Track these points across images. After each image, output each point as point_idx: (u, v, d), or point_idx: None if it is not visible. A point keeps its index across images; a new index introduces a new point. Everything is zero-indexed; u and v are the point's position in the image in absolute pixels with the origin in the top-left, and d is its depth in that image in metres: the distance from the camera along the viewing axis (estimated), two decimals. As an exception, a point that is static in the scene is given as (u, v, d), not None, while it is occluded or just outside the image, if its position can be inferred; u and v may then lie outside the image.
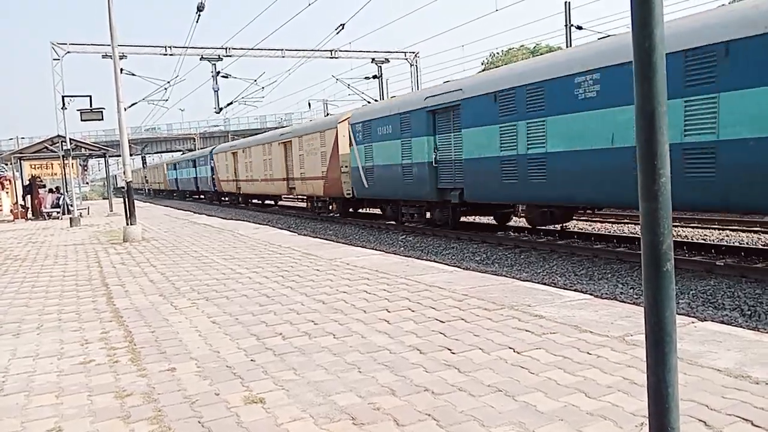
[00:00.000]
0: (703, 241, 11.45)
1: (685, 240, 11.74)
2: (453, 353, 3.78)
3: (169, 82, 31.78)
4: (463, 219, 16.24)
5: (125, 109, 13.70)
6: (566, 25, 26.23)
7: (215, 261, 8.74)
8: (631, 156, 8.73)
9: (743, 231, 12.56)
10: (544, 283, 8.30)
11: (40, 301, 6.31)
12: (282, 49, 33.11)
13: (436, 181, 14.79)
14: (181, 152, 67.19)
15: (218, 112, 33.62)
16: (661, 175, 1.59)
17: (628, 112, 9.24)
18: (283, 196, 28.26)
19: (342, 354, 3.88)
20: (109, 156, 28.35)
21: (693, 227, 13.66)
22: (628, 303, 6.16)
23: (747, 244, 11.14)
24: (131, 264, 8.93)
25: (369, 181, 17.92)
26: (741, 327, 5.52)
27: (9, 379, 3.72)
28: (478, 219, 17.44)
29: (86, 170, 36.64)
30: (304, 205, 27.54)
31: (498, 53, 61.99)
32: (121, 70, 14.89)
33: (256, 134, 37.84)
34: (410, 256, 10.49)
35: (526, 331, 4.21)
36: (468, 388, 3.17)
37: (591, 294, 7.18)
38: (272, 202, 33.17)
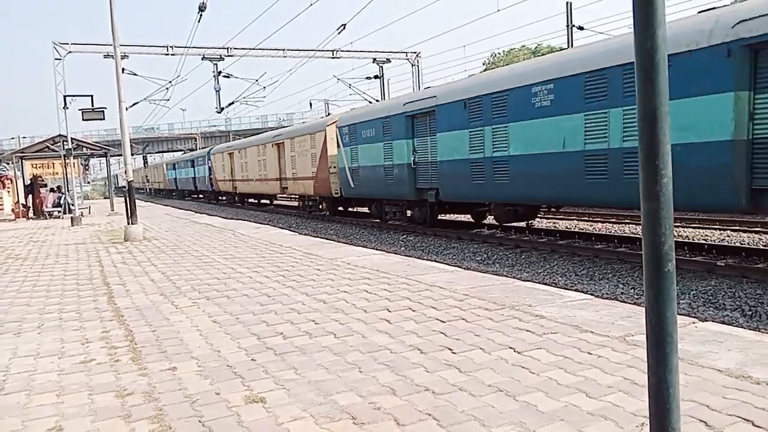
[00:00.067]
0: (704, 242, 11.44)
1: (686, 240, 11.73)
2: (454, 353, 3.78)
3: (170, 82, 31.84)
4: (441, 217, 17.17)
5: (127, 109, 13.71)
6: (568, 26, 26.22)
7: (216, 260, 8.75)
8: (580, 159, 10.35)
9: (744, 231, 12.55)
10: (545, 283, 8.30)
11: (41, 300, 6.31)
12: (283, 49, 33.14)
13: (415, 182, 15.74)
14: (183, 152, 67.26)
15: (220, 112, 33.67)
16: (663, 176, 1.59)
17: (576, 119, 10.31)
18: (277, 195, 29.02)
19: (343, 353, 3.88)
20: (111, 155, 28.35)
21: (694, 227, 13.65)
22: (629, 303, 6.15)
23: (748, 244, 11.13)
24: (132, 263, 8.93)
25: (355, 181, 18.80)
26: (742, 327, 5.51)
27: (10, 378, 3.72)
28: (460, 217, 17.93)
29: (87, 170, 36.65)
30: (296, 204, 28.26)
31: (499, 53, 61.97)
32: (123, 69, 14.89)
33: (257, 134, 37.95)
34: (411, 256, 10.49)
35: (527, 331, 4.21)
36: (469, 388, 3.17)
37: (592, 294, 7.18)
38: (267, 202, 33.88)
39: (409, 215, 17.22)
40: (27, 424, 2.99)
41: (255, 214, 27.95)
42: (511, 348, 3.83)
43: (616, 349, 3.72)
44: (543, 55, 27.54)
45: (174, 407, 3.10)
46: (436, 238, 15.06)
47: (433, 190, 14.99)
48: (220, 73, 31.55)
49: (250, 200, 35.56)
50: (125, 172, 13.73)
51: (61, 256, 10.42)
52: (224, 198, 39.81)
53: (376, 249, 11.85)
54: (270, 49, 32.81)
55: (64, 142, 22.17)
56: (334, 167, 20.23)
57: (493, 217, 14.88)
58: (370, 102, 29.38)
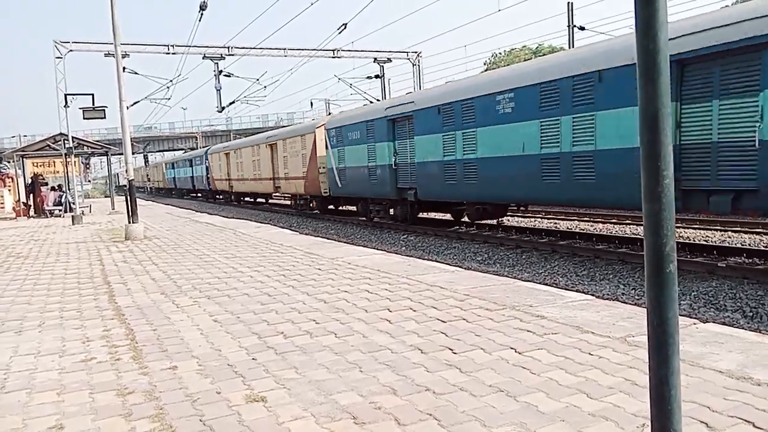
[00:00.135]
0: (705, 243, 11.44)
1: (687, 241, 11.73)
2: (454, 353, 3.78)
3: (171, 81, 31.83)
4: (423, 215, 18.27)
5: (128, 108, 13.71)
6: (569, 26, 26.22)
7: (217, 259, 8.75)
8: (537, 162, 11.29)
9: (745, 232, 12.54)
10: (546, 284, 8.29)
11: (42, 299, 6.32)
12: (284, 49, 33.14)
13: (396, 182, 16.69)
14: (184, 151, 67.35)
15: (220, 111, 33.71)
16: (664, 177, 1.59)
17: (534, 125, 11.29)
18: (272, 194, 29.87)
19: (343, 353, 3.88)
20: (111, 154, 28.38)
21: (695, 228, 13.64)
22: (630, 304, 6.15)
23: (749, 245, 11.12)
24: (133, 262, 8.94)
25: (342, 180, 19.77)
26: (743, 328, 5.51)
27: (11, 377, 3.73)
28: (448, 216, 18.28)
29: (88, 168, 36.66)
30: (288, 202, 29.21)
31: (500, 53, 61.94)
32: (124, 68, 14.89)
33: (258, 133, 38.09)
34: (412, 256, 10.49)
35: (528, 331, 4.21)
36: (469, 388, 3.17)
37: (593, 295, 7.17)
38: (263, 200, 34.73)
39: (391, 213, 18.06)
40: (28, 422, 2.99)
41: (255, 213, 28.06)
42: (511, 348, 3.83)
43: (617, 349, 3.72)
44: (544, 55, 27.53)
45: (174, 406, 3.11)
46: (437, 238, 15.07)
47: (412, 189, 15.89)
48: (221, 72, 31.55)
49: (246, 199, 36.44)
50: (126, 171, 13.74)
51: (62, 254, 10.42)
52: (221, 197, 40.66)
53: (377, 249, 11.85)
54: (271, 49, 32.82)
55: (65, 141, 22.19)
56: (323, 168, 21.13)
57: (466, 215, 15.67)
58: (371, 101, 29.41)
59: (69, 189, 23.27)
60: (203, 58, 31.24)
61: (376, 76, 34.91)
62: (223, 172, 36.34)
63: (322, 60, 34.64)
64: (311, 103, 54.55)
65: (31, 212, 24.24)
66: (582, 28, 26.22)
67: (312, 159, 22.10)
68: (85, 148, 27.11)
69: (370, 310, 5.07)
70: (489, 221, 15.47)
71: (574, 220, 16.70)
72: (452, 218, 17.39)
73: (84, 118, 20.08)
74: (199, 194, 47.76)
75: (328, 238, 13.60)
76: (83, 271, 8.24)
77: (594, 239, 12.59)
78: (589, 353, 3.67)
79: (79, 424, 2.94)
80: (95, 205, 29.46)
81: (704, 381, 3.11)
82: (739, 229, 12.96)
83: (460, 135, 13.53)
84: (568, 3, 26.11)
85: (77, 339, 4.57)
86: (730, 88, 8.16)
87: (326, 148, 20.74)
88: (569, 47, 25.32)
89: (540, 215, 18.27)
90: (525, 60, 27.45)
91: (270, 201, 34.40)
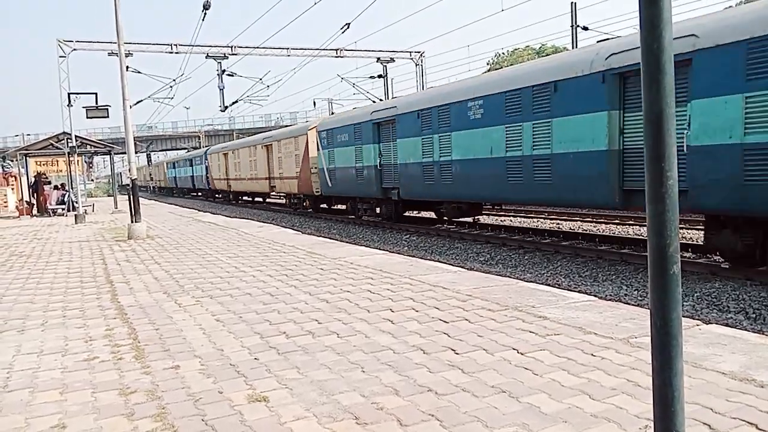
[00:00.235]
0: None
1: (690, 242, 11.70)
2: (457, 354, 3.78)
3: (174, 80, 31.82)
4: (411, 214, 19.24)
5: (131, 107, 13.73)
6: (572, 26, 26.18)
7: (219, 259, 8.75)
8: (503, 164, 12.18)
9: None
10: (548, 284, 8.29)
11: (44, 298, 6.33)
12: (287, 48, 33.14)
13: (381, 182, 17.57)
14: (186, 150, 67.45)
15: (223, 111, 33.70)
16: (668, 178, 1.58)
17: (500, 130, 12.18)
18: (270, 193, 30.61)
19: (346, 353, 3.88)
20: (114, 153, 28.41)
21: (698, 230, 13.60)
22: (633, 305, 6.13)
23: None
24: (136, 261, 8.95)
25: (332, 180, 20.71)
26: (746, 330, 5.50)
27: (13, 376, 3.73)
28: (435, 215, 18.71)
29: (91, 167, 36.79)
30: (284, 201, 30.27)
31: (503, 53, 61.91)
32: (127, 67, 14.91)
33: (261, 133, 38.21)
34: (414, 256, 10.49)
35: (530, 332, 4.21)
36: (472, 389, 3.16)
37: (595, 295, 7.16)
38: (261, 199, 35.56)
39: (378, 212, 18.95)
40: (30, 421, 3.00)
41: (255, 212, 28.18)
42: (514, 349, 3.83)
43: (620, 351, 3.71)
44: (547, 55, 27.49)
45: (177, 406, 3.11)
46: (439, 238, 15.08)
47: (396, 189, 16.79)
48: (224, 71, 31.57)
49: (244, 198, 37.34)
50: (129, 170, 13.76)
51: (65, 253, 10.44)
52: (220, 196, 41.52)
53: (380, 249, 11.86)
54: (274, 48, 32.82)
55: (68, 140, 22.23)
56: (315, 168, 22.14)
57: (444, 213, 16.67)
58: (374, 101, 29.45)
59: (72, 188, 23.32)
60: (206, 58, 31.27)
61: (379, 76, 34.86)
62: (221, 171, 37.21)
63: (325, 59, 34.75)
64: (314, 103, 54.47)
65: (35, 211, 24.28)
66: (585, 28, 26.17)
67: (305, 160, 23.03)
68: (88, 147, 27.13)
69: (373, 310, 5.07)
70: (465, 219, 16.48)
71: (577, 220, 16.68)
72: (436, 216, 18.09)
73: (87, 117, 20.11)
74: (200, 193, 48.65)
75: (330, 238, 13.60)
76: (86, 270, 8.25)
77: (597, 240, 12.57)
78: (592, 354, 3.66)
79: (82, 423, 2.94)
80: (98, 204, 29.51)
81: (707, 382, 3.10)
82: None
83: (437, 138, 14.45)
84: (572, 3, 26.08)
85: (80, 338, 4.57)
86: None
87: (317, 149, 21.70)
88: (573, 47, 25.29)
89: (543, 216, 18.25)
90: (528, 60, 27.50)
91: (267, 200, 35.05)
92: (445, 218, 17.17)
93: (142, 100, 34.39)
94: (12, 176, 29.19)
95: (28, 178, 26.00)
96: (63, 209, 23.83)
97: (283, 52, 33.05)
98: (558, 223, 16.58)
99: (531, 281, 8.09)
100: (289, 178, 25.31)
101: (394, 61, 35.44)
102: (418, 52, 36.17)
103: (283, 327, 4.62)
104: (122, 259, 9.24)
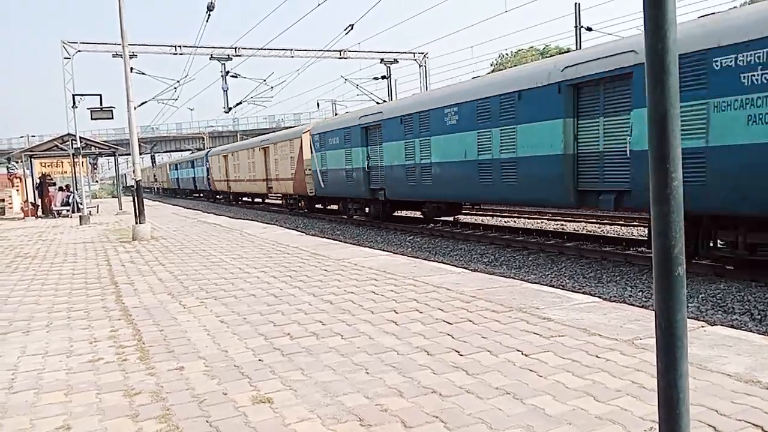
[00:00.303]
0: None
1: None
2: (461, 355, 3.77)
3: (178, 82, 31.88)
4: (397, 213, 20.01)
5: (135, 108, 13.76)
6: (576, 27, 26.14)
7: (224, 260, 8.77)
8: (476, 166, 13.12)
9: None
10: (553, 286, 8.27)
11: (49, 299, 6.35)
12: (291, 49, 33.13)
13: (369, 183, 18.53)
14: (191, 151, 67.63)
15: (227, 112, 33.68)
16: (673, 179, 1.58)
17: (473, 135, 13.13)
18: (268, 194, 31.45)
19: (349, 355, 3.88)
20: (119, 154, 28.49)
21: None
22: (637, 306, 6.12)
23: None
24: (140, 262, 8.97)
25: (324, 182, 21.71)
26: (751, 331, 5.49)
27: (18, 377, 3.75)
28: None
29: (96, 168, 36.90)
30: (280, 201, 31.20)
31: (507, 54, 61.84)
32: (132, 69, 14.95)
33: (265, 134, 38.32)
34: (418, 257, 10.48)
35: (535, 333, 4.20)
36: (476, 391, 3.16)
37: (600, 297, 7.15)
38: (260, 200, 36.48)
39: (367, 212, 19.90)
40: (35, 422, 3.01)
41: (255, 213, 28.38)
42: (518, 350, 3.82)
43: (625, 352, 3.70)
44: (551, 56, 27.49)
45: (181, 407, 3.11)
46: (443, 239, 15.08)
47: (382, 190, 17.78)
48: (228, 72, 31.58)
49: (243, 199, 38.26)
50: (133, 172, 13.79)
51: (70, 254, 10.47)
52: (221, 197, 42.36)
53: (383, 250, 11.86)
54: (278, 49, 32.82)
55: (73, 141, 22.30)
56: (309, 170, 23.15)
57: (425, 212, 17.79)
58: (378, 102, 29.50)
59: (77, 189, 23.38)
60: (210, 59, 31.27)
61: (383, 77, 34.87)
62: (222, 173, 38.16)
63: (329, 61, 34.68)
64: (318, 104, 54.73)
65: (39, 212, 24.36)
66: (589, 29, 26.13)
67: (299, 162, 24.09)
68: (93, 148, 27.22)
69: (376, 311, 5.07)
70: (446, 218, 17.82)
71: (581, 221, 16.64)
72: (421, 216, 18.92)
73: (92, 119, 20.19)
74: (201, 195, 49.59)
75: (334, 239, 13.61)
76: (90, 272, 8.28)
77: (601, 241, 12.54)
78: (597, 356, 3.65)
79: (86, 424, 2.95)
80: (102, 205, 29.58)
81: (712, 384, 3.09)
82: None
83: (418, 142, 15.49)
84: (576, 3, 26.04)
85: (84, 339, 4.59)
86: (610, 108, 9.92)
87: (311, 152, 22.70)
88: (576, 48, 25.25)
89: (546, 217, 18.22)
90: (532, 61, 27.52)
91: (266, 201, 35.76)
92: (424, 217, 18.24)
93: (146, 102, 34.44)
94: (17, 177, 29.28)
95: (32, 180, 26.09)
96: (67, 210, 23.90)
97: (287, 53, 33.05)
98: (562, 225, 16.55)
99: (535, 282, 8.09)
100: (285, 179, 26.25)
101: (397, 62, 35.42)
102: (422, 53, 36.13)
103: (287, 328, 4.62)
104: (127, 261, 9.26)
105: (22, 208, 24.97)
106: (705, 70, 8.08)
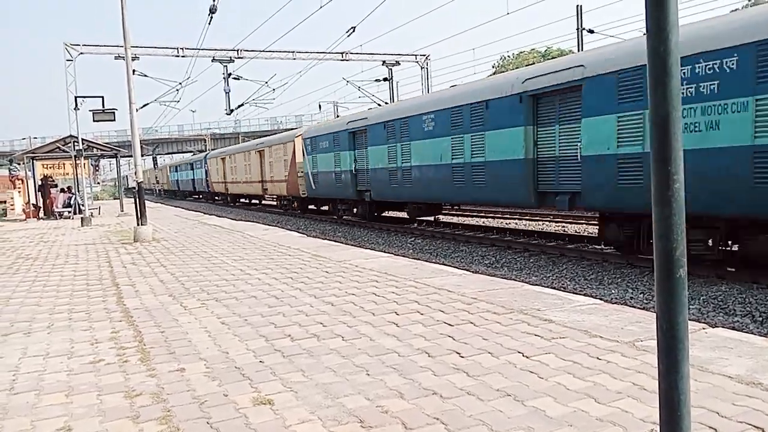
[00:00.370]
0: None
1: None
2: (462, 357, 3.77)
3: (180, 84, 31.95)
4: (385, 214, 20.94)
5: (137, 110, 13.78)
6: (578, 29, 26.15)
7: (225, 262, 8.77)
8: (450, 169, 14.16)
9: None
10: (554, 287, 8.27)
11: (50, 301, 6.35)
12: (293, 51, 33.17)
13: (356, 185, 19.55)
14: (192, 153, 67.73)
15: (229, 114, 33.73)
16: (675, 181, 1.58)
17: (447, 141, 14.15)
18: (264, 195, 32.30)
19: (350, 356, 3.88)
20: (121, 156, 28.52)
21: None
22: (638, 308, 6.11)
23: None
24: (141, 264, 8.97)
25: (315, 184, 22.69)
26: (752, 333, 5.47)
27: (20, 378, 3.75)
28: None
29: (98, 170, 36.93)
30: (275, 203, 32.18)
31: (509, 56, 61.88)
32: (134, 71, 14.98)
33: (266, 136, 38.42)
34: (419, 259, 10.47)
35: (536, 335, 4.20)
36: (477, 392, 3.16)
37: (601, 299, 7.14)
38: (257, 201, 37.42)
39: (355, 212, 20.89)
40: (36, 423, 3.01)
41: (260, 215, 28.33)
42: (519, 352, 3.82)
43: (626, 354, 3.70)
44: (553, 58, 27.48)
45: (182, 408, 3.11)
46: (444, 240, 15.07)
47: (368, 191, 18.73)
48: (230, 74, 31.62)
49: (240, 200, 39.03)
50: (135, 174, 13.80)
51: (71, 256, 10.48)
52: (219, 198, 43.19)
53: (384, 252, 11.86)
54: (280, 51, 32.85)
55: (75, 143, 22.32)
56: (302, 172, 24.08)
57: (407, 212, 18.61)
58: (379, 104, 29.54)
59: (78, 191, 23.40)
60: (212, 61, 31.32)
61: (385, 79, 34.91)
62: (220, 175, 39.05)
63: (330, 63, 34.67)
64: (320, 106, 54.83)
65: (41, 214, 24.39)
66: (591, 31, 26.15)
67: (292, 164, 25.03)
68: (95, 150, 27.26)
69: (377, 313, 5.07)
70: (426, 218, 18.87)
71: (582, 223, 16.63)
72: (407, 216, 19.43)
73: (94, 121, 20.21)
74: (200, 196, 50.45)
75: (335, 241, 13.62)
76: (92, 273, 8.28)
77: (602, 243, 12.52)
78: (598, 358, 3.65)
79: (87, 426, 2.95)
80: (104, 207, 29.61)
81: (713, 386, 3.09)
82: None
83: (400, 147, 16.47)
84: (578, 6, 26.05)
85: (86, 341, 4.59)
86: (565, 117, 10.83)
87: (303, 155, 23.66)
88: (578, 50, 25.26)
89: (548, 218, 18.21)
90: (534, 62, 27.58)
91: (263, 202, 36.52)
92: (411, 218, 19.01)
93: (148, 104, 34.51)
94: (19, 179, 29.31)
95: (34, 181, 26.13)
96: (69, 212, 23.93)
97: (289, 55, 33.09)
98: (563, 226, 16.54)
99: (536, 284, 8.08)
100: (279, 181, 27.24)
101: (399, 64, 35.46)
102: (423, 55, 36.15)
103: (288, 330, 4.62)
104: (128, 262, 9.27)
105: (23, 210, 24.99)
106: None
